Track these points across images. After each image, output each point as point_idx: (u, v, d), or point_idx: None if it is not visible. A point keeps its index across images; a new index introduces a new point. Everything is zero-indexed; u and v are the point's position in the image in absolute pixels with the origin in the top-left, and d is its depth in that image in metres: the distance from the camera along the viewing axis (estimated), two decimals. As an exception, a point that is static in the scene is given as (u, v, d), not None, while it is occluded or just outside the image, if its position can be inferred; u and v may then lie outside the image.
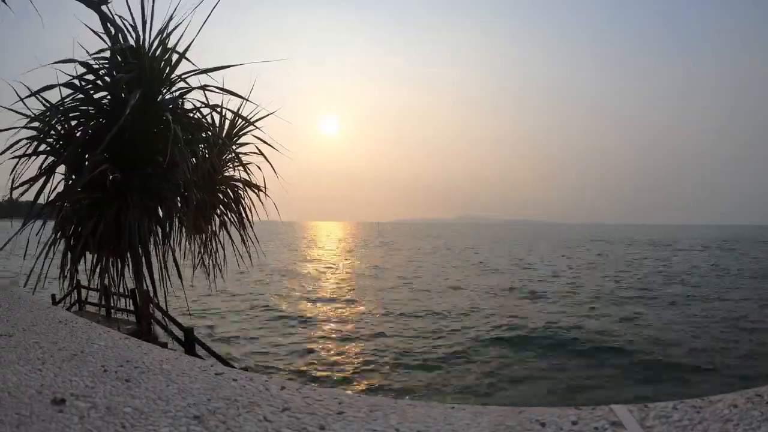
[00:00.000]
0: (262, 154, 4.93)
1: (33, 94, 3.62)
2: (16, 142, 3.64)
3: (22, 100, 3.66)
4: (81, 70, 3.84)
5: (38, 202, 3.81)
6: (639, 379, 8.28)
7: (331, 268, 27.65)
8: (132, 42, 3.97)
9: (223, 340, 10.50)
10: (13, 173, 3.75)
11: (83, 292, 9.64)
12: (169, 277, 4.19)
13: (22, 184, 3.77)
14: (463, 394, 7.41)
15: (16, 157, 3.68)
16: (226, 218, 5.03)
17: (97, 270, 3.93)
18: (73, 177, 3.88)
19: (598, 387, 7.86)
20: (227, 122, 5.02)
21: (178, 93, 4.29)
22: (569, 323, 12.26)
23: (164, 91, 4.20)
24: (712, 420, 1.04)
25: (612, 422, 1.06)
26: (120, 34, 3.91)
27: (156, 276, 4.12)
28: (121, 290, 4.32)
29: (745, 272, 24.07)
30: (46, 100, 3.77)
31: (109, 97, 4.00)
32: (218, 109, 4.74)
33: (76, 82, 3.83)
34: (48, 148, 3.90)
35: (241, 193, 5.15)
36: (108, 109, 3.98)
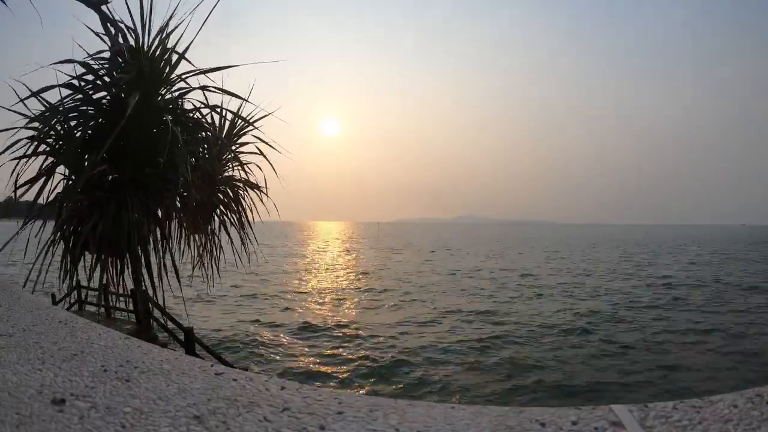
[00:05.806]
0: (262, 154, 4.94)
1: (33, 94, 3.62)
2: (16, 142, 3.65)
3: (22, 100, 3.66)
4: (80, 70, 3.84)
5: (38, 202, 3.81)
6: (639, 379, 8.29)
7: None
8: (132, 42, 3.97)
9: (223, 340, 10.50)
10: (14, 173, 3.75)
11: (83, 292, 9.63)
12: (168, 278, 4.19)
13: (22, 185, 3.77)
14: (462, 393, 7.42)
15: (16, 158, 3.68)
16: (225, 218, 5.03)
17: (97, 270, 3.93)
18: (73, 177, 3.88)
19: (598, 387, 7.87)
20: (227, 123, 5.03)
21: (177, 93, 4.29)
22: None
23: (164, 91, 4.20)
24: (712, 420, 1.04)
25: (612, 422, 1.06)
26: (120, 34, 3.90)
27: (155, 276, 4.12)
28: (121, 290, 4.33)
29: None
30: (46, 101, 3.76)
31: (108, 97, 4.00)
32: (218, 110, 4.74)
33: (75, 82, 3.83)
34: (47, 149, 3.89)
35: (241, 193, 5.15)
36: (107, 109, 3.98)
